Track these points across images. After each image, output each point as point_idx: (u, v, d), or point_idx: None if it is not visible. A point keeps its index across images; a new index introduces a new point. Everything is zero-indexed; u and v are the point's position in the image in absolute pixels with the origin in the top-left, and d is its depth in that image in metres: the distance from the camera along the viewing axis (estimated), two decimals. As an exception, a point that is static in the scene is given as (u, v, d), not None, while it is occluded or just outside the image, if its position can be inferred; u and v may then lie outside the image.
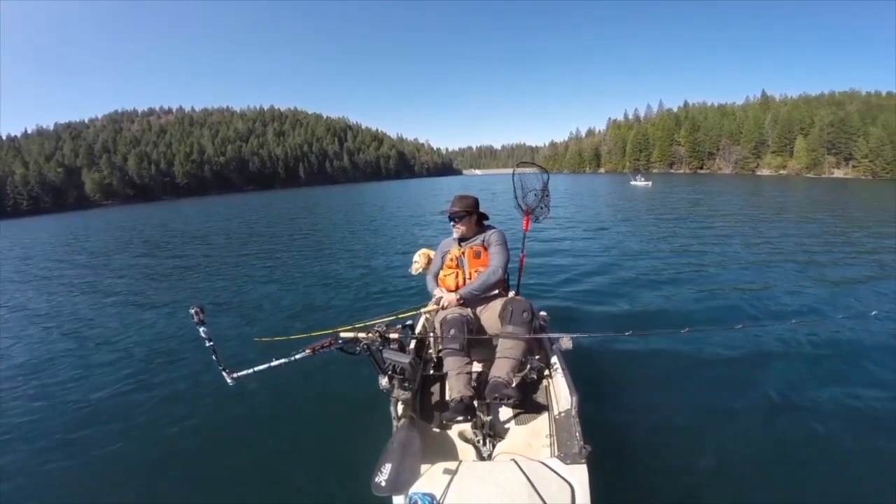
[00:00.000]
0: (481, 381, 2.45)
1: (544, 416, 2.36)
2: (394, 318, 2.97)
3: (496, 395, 2.20)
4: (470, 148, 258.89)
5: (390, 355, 2.14)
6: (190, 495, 2.63)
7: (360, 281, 7.57)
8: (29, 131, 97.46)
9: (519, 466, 1.74)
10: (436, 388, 2.68)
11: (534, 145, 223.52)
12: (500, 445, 2.21)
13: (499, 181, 58.05)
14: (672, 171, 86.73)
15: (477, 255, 2.80)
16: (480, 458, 2.14)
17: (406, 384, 2.20)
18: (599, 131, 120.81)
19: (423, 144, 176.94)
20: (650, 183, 37.59)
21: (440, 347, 2.73)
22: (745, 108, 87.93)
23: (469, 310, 2.64)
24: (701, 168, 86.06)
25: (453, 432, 2.33)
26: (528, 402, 2.44)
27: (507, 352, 2.37)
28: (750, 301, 5.62)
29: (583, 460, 1.76)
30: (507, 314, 2.45)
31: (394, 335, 2.24)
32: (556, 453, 1.98)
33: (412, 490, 1.68)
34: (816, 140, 69.48)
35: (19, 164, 75.11)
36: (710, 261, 8.03)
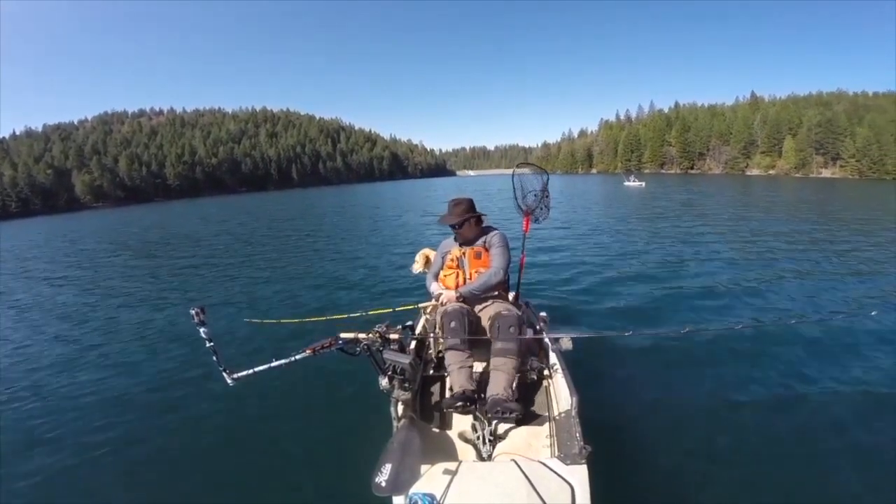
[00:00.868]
0: (481, 381, 2.46)
1: (544, 417, 2.36)
2: (392, 311, 2.99)
3: (498, 410, 2.19)
4: (463, 149, 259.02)
5: (390, 356, 2.15)
6: (190, 495, 2.63)
7: (360, 281, 7.57)
8: (17, 133, 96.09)
9: (519, 467, 1.75)
10: (436, 389, 2.68)
11: (527, 146, 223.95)
12: (500, 446, 2.21)
13: (492, 182, 58.09)
14: (663, 171, 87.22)
15: (478, 256, 2.81)
16: (480, 458, 2.15)
17: (406, 384, 2.20)
18: (591, 132, 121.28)
19: (416, 145, 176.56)
20: (643, 183, 37.73)
21: (440, 347, 2.73)
22: (734, 109, 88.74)
23: (468, 306, 2.65)
24: (691, 168, 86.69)
25: (453, 433, 2.34)
26: (529, 402, 2.44)
27: (501, 367, 2.36)
28: (749, 301, 5.66)
29: (583, 460, 1.77)
30: (495, 330, 2.45)
31: (394, 335, 2.24)
32: (556, 454, 1.98)
33: (412, 490, 1.69)
34: (804, 140, 70.35)
35: (8, 165, 73.89)
36: (709, 261, 8.08)
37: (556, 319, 4.03)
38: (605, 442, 2.42)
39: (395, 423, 2.18)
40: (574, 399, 2.11)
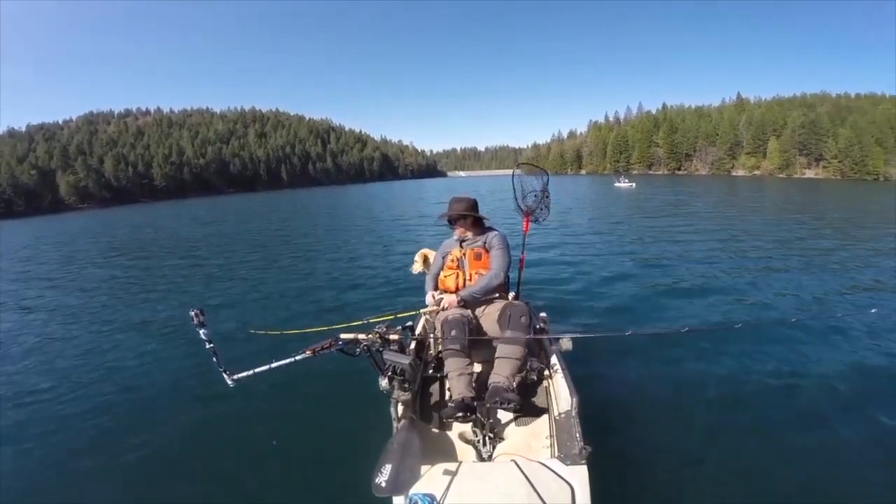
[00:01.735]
0: (481, 383, 2.46)
1: (544, 417, 2.36)
2: (393, 318, 2.98)
3: (497, 399, 2.19)
4: (454, 150, 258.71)
5: (390, 356, 2.14)
6: (190, 496, 2.63)
7: (360, 284, 7.53)
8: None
9: (519, 467, 1.75)
10: (436, 389, 2.68)
11: (517, 147, 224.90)
12: (500, 446, 2.21)
13: (484, 183, 58.18)
14: (651, 172, 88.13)
15: (477, 257, 2.81)
16: (480, 458, 2.15)
17: (406, 385, 2.20)
18: (581, 133, 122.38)
19: (407, 146, 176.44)
20: (634, 184, 38.09)
21: (440, 348, 2.72)
22: (720, 110, 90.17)
23: (469, 311, 2.64)
24: (679, 169, 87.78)
25: (453, 433, 2.34)
26: (529, 403, 2.44)
27: (507, 356, 2.36)
28: (749, 300, 5.69)
29: (583, 461, 1.76)
30: (505, 319, 2.46)
31: (394, 336, 2.23)
32: (557, 454, 1.98)
33: (412, 491, 1.68)
34: (788, 141, 71.72)
35: (-10, 165, 72.47)
36: (706, 261, 8.13)
37: (556, 319, 4.08)
38: (605, 442, 2.45)
39: (395, 424, 2.18)
40: (574, 399, 2.11)
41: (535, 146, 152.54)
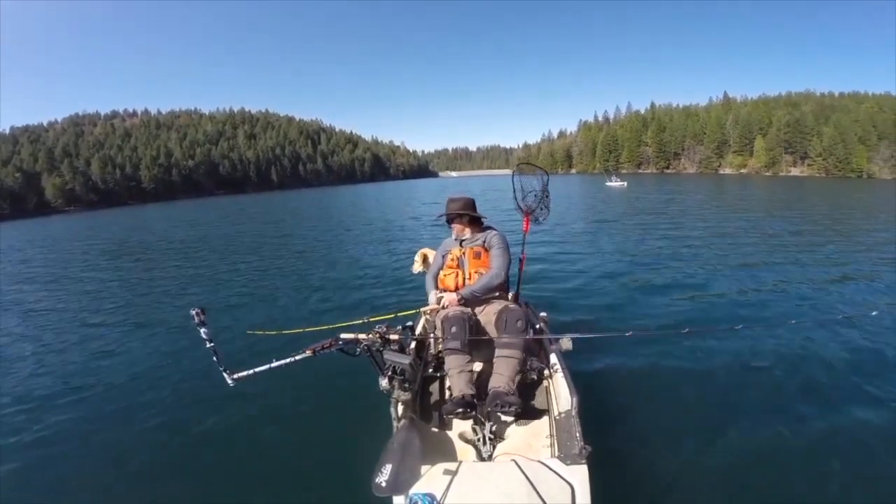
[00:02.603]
0: (480, 382, 2.46)
1: (544, 417, 2.37)
2: (394, 317, 2.98)
3: (498, 402, 2.19)
4: (446, 150, 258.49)
5: (391, 356, 2.14)
6: (190, 496, 2.62)
7: (359, 285, 7.50)
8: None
9: (519, 467, 1.75)
10: (436, 389, 2.68)
11: (508, 147, 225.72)
12: (501, 446, 2.21)
13: (476, 183, 58.24)
14: (640, 171, 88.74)
15: (477, 256, 2.82)
16: (480, 458, 2.15)
17: (406, 385, 2.20)
18: (571, 133, 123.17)
19: (398, 147, 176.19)
20: (625, 184, 38.25)
21: (440, 348, 2.72)
22: (708, 109, 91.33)
23: (469, 309, 2.65)
24: (667, 168, 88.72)
25: (453, 433, 2.34)
26: (529, 402, 2.44)
27: (505, 360, 2.36)
28: (749, 300, 5.67)
29: (583, 461, 1.76)
30: (501, 323, 2.47)
31: (394, 336, 2.23)
32: (557, 454, 1.98)
33: (412, 490, 1.68)
34: (774, 139, 72.91)
35: (-26, 169, 71.04)
36: (706, 261, 8.13)
37: (556, 319, 4.09)
38: (605, 442, 2.45)
39: (395, 424, 2.18)
40: (574, 399, 2.12)
41: (526, 146, 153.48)
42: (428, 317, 3.02)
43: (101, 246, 16.73)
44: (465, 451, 2.22)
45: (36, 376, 4.49)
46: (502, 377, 2.30)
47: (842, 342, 4.23)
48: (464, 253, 2.87)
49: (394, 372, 2.17)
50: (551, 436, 2.22)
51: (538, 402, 2.49)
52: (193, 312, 1.86)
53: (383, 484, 1.66)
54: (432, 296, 2.95)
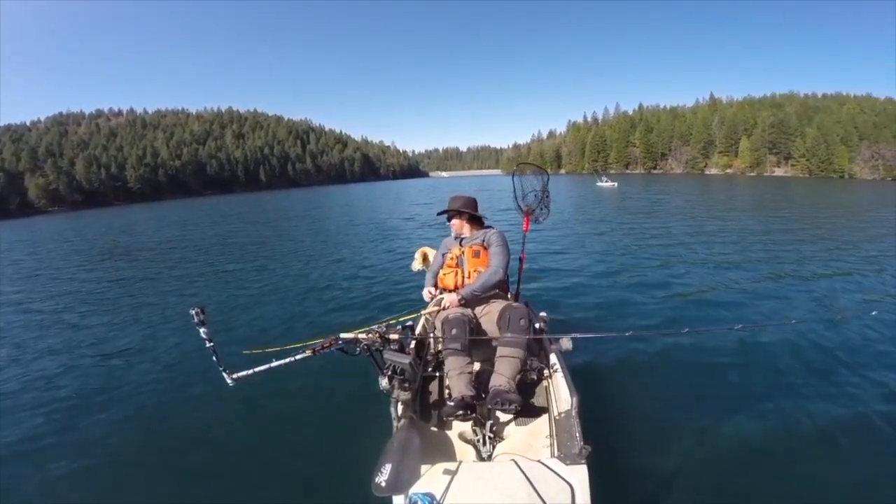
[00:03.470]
0: (480, 383, 2.46)
1: (544, 417, 2.36)
2: (394, 319, 2.97)
3: (498, 400, 2.19)
4: (436, 150, 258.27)
5: (390, 356, 2.15)
6: (189, 496, 2.61)
7: (358, 286, 7.40)
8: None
9: (519, 467, 1.75)
10: (436, 389, 2.68)
11: (498, 147, 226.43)
12: (500, 446, 2.21)
13: (466, 183, 58.19)
14: (628, 171, 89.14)
15: (476, 255, 2.83)
16: (480, 458, 2.15)
17: (406, 385, 2.20)
18: (560, 133, 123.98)
19: (388, 147, 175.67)
20: (616, 184, 38.31)
21: (440, 348, 2.72)
22: (694, 110, 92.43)
23: (470, 310, 2.65)
24: (654, 168, 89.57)
25: (453, 433, 2.33)
26: (529, 402, 2.44)
27: (506, 359, 2.36)
28: (749, 301, 5.66)
29: (583, 461, 1.76)
30: (504, 321, 2.47)
31: (394, 336, 2.23)
32: (556, 454, 1.98)
33: (412, 490, 1.68)
34: (759, 140, 74.13)
35: (-46, 168, 69.27)
36: (704, 261, 8.16)
37: (556, 319, 4.06)
38: (605, 442, 2.45)
39: (395, 423, 2.18)
40: (574, 399, 2.11)
41: (516, 146, 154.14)
42: (428, 317, 3.02)
43: (88, 247, 16.40)
44: (464, 451, 2.22)
45: (36, 376, 4.44)
46: (503, 376, 2.30)
47: (843, 342, 4.22)
48: (463, 252, 2.88)
49: (394, 372, 2.17)
50: (551, 436, 2.22)
51: (538, 401, 2.49)
52: (193, 312, 1.86)
53: (383, 484, 1.66)
54: (426, 292, 2.97)
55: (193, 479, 2.76)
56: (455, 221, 3.02)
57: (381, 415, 2.32)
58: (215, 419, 3.37)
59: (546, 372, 2.62)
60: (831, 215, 15.48)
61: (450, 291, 2.80)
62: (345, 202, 34.25)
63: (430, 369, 2.80)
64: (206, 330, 1.89)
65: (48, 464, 2.98)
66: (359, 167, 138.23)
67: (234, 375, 2.00)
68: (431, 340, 2.86)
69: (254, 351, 2.78)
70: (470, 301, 2.70)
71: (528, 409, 2.40)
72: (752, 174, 71.08)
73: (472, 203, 3.02)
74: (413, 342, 2.66)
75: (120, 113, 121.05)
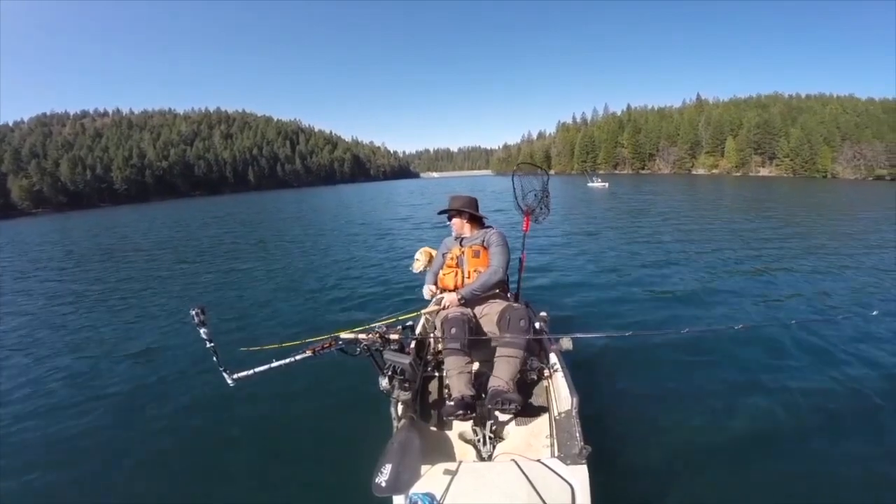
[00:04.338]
0: (480, 383, 2.46)
1: (544, 417, 2.36)
2: (394, 319, 2.97)
3: (498, 400, 2.19)
4: (427, 150, 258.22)
5: (390, 356, 2.14)
6: (189, 496, 2.60)
7: (359, 283, 7.42)
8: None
9: (519, 467, 1.75)
10: (436, 389, 2.68)
11: (488, 147, 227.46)
12: (501, 446, 2.22)
13: (457, 184, 58.16)
14: (616, 172, 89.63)
15: (476, 255, 2.83)
16: (480, 458, 2.15)
17: (406, 385, 2.20)
18: (549, 134, 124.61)
19: (378, 147, 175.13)
20: (607, 184, 38.40)
21: (440, 348, 2.72)
22: (681, 111, 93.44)
23: (469, 310, 2.65)
24: (642, 169, 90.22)
25: (453, 433, 2.33)
26: (529, 402, 2.45)
27: (506, 359, 2.36)
28: (749, 301, 5.65)
29: (583, 461, 1.77)
30: (504, 322, 2.47)
31: (394, 336, 2.23)
32: (557, 454, 1.98)
33: (412, 490, 1.68)
34: (744, 140, 75.14)
35: (-65, 170, 67.52)
36: (703, 261, 8.15)
37: (556, 319, 4.03)
38: (605, 442, 2.47)
39: (395, 424, 2.17)
40: (574, 399, 2.12)
41: (506, 147, 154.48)
42: (428, 317, 3.02)
43: (77, 249, 16.08)
44: (464, 451, 2.23)
45: (35, 376, 4.42)
46: (502, 376, 2.31)
47: (843, 342, 4.21)
48: (463, 252, 2.89)
49: (394, 372, 2.17)
50: (551, 436, 2.22)
51: (538, 401, 2.49)
52: (193, 312, 1.85)
53: (383, 484, 1.66)
54: (426, 289, 2.97)
55: (191, 478, 2.76)
56: (455, 221, 3.03)
57: (381, 415, 2.31)
58: (214, 419, 3.37)
59: (546, 372, 2.62)
60: (820, 214, 15.68)
61: (450, 291, 2.80)
62: (337, 203, 34.08)
63: (429, 369, 2.80)
64: (206, 330, 1.88)
65: (45, 463, 2.97)
66: (349, 168, 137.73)
67: (235, 376, 2.00)
68: (431, 340, 2.85)
69: (251, 348, 2.81)
70: (470, 301, 2.70)
71: (528, 409, 2.40)
72: (738, 174, 71.98)
73: (473, 203, 3.03)
74: (413, 342, 2.65)
75: (105, 113, 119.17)
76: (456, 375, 2.38)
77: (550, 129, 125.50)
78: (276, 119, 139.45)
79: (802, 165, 65.88)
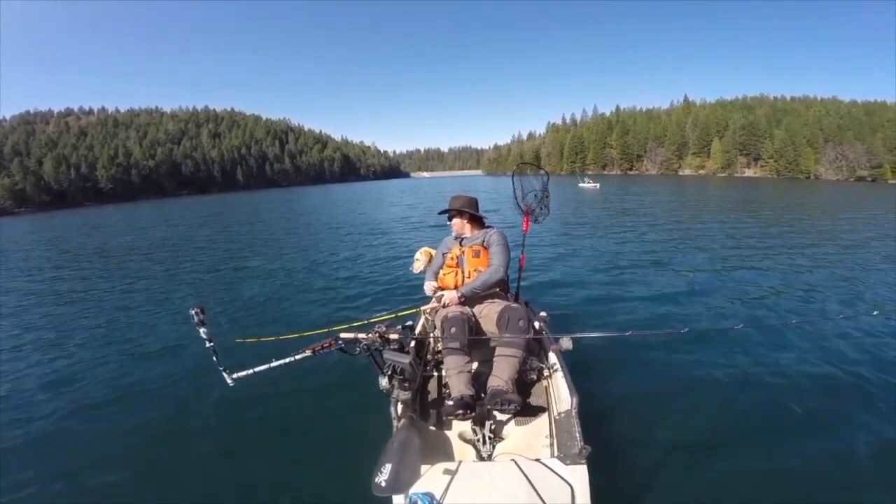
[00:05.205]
0: (480, 382, 2.46)
1: (544, 417, 2.36)
2: (393, 315, 2.97)
3: (497, 401, 2.19)
4: (418, 150, 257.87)
5: (390, 356, 2.13)
6: (189, 496, 2.60)
7: (359, 282, 7.36)
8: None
9: (519, 467, 1.75)
10: (435, 389, 2.67)
11: (479, 147, 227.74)
12: (500, 446, 2.22)
13: (448, 183, 58.04)
14: (605, 172, 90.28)
15: (476, 255, 2.83)
16: (480, 458, 2.15)
17: (406, 384, 2.20)
18: (539, 134, 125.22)
19: (369, 147, 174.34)
20: (598, 185, 38.55)
21: (440, 347, 2.71)
22: (669, 113, 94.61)
23: (469, 309, 2.65)
24: (630, 169, 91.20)
25: (453, 433, 2.33)
26: (528, 402, 2.45)
27: (506, 359, 2.37)
28: (749, 301, 5.65)
29: (583, 460, 1.76)
30: (503, 322, 2.47)
31: (394, 335, 2.22)
32: (556, 454, 1.98)
33: (412, 490, 1.68)
34: (730, 142, 76.43)
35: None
36: (703, 260, 8.17)
37: (556, 319, 4.03)
38: (605, 442, 2.48)
39: (394, 423, 2.16)
40: (574, 399, 2.12)
41: (497, 147, 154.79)
42: (428, 316, 3.01)
43: (65, 248, 15.76)
44: (464, 451, 2.23)
45: (34, 377, 4.39)
46: (502, 376, 2.31)
47: (844, 342, 4.21)
48: (463, 252, 2.89)
49: (393, 371, 2.17)
50: (551, 436, 2.22)
51: (538, 401, 2.49)
52: (193, 312, 1.84)
53: (383, 484, 1.66)
54: (428, 285, 2.97)
55: (190, 478, 2.75)
56: (456, 221, 3.03)
57: (381, 415, 2.30)
58: (214, 419, 3.36)
59: (546, 372, 2.62)
60: (819, 216, 15.78)
61: (450, 290, 2.79)
62: (327, 202, 33.82)
63: (429, 368, 2.80)
64: (206, 330, 1.88)
65: (43, 464, 2.97)
66: (339, 167, 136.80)
67: (234, 375, 1.99)
68: (431, 340, 2.85)
69: (248, 339, 2.80)
70: (469, 299, 2.70)
71: (527, 409, 2.40)
72: (724, 175, 73.09)
73: (474, 203, 3.03)
74: (413, 341, 2.64)
75: (91, 112, 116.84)
76: (455, 375, 2.38)
77: (540, 130, 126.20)
78: (265, 118, 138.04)
79: (786, 166, 67.17)
